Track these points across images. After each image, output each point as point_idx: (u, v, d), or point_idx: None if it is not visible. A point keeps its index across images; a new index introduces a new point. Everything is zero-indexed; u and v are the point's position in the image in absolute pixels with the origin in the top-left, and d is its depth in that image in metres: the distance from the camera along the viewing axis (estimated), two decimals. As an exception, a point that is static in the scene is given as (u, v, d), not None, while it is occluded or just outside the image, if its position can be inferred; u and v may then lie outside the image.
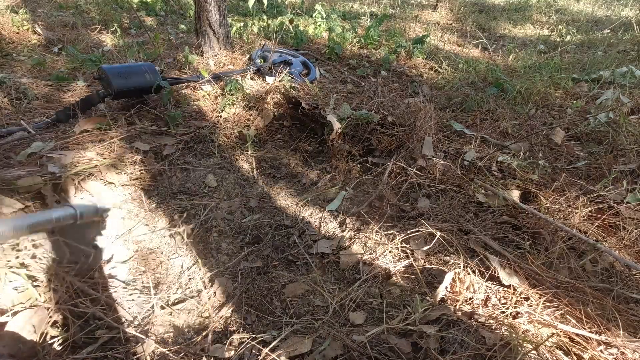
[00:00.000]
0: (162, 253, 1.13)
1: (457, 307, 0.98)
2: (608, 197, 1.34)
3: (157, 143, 1.55)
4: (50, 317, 0.87)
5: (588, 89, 2.40)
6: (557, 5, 5.63)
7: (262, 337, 0.91)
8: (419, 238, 1.19)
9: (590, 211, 1.29)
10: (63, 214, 0.62)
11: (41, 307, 0.88)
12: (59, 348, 0.84)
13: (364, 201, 1.38)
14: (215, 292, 1.04)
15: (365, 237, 1.22)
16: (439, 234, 1.15)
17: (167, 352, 0.86)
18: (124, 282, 1.03)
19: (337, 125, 1.59)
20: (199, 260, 1.12)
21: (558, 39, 3.82)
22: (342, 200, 1.40)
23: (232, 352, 0.86)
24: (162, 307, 0.98)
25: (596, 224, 1.24)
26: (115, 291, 1.00)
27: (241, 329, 0.94)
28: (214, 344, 0.89)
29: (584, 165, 1.58)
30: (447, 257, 1.12)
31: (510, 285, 1.03)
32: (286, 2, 4.09)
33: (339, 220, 1.31)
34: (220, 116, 1.79)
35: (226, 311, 0.98)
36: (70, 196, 1.21)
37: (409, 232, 1.20)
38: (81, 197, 1.04)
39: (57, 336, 0.85)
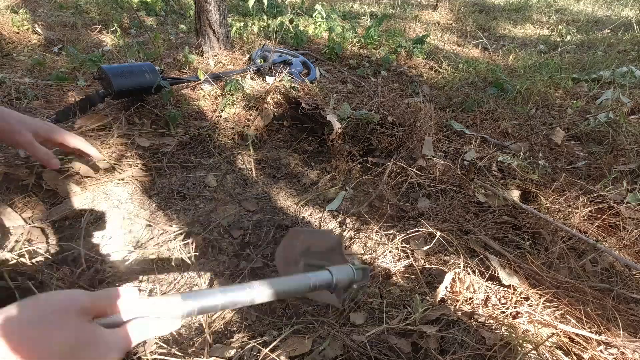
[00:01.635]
0: (161, 253, 1.13)
1: (457, 307, 0.98)
2: (608, 197, 1.34)
3: (157, 142, 1.56)
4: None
5: (588, 89, 2.41)
6: (557, 5, 5.63)
7: (262, 337, 0.91)
8: (419, 238, 1.19)
9: (590, 211, 1.29)
10: (320, 280, 0.61)
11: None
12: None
13: (364, 201, 1.38)
14: (215, 292, 1.04)
15: (365, 237, 1.22)
16: (439, 233, 1.15)
17: (168, 353, 0.86)
18: (124, 282, 1.03)
19: (337, 125, 1.59)
20: (199, 261, 1.12)
21: (558, 39, 3.82)
22: (342, 200, 1.40)
23: (232, 352, 0.86)
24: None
25: (596, 224, 1.24)
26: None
27: (241, 329, 0.94)
28: (214, 344, 0.89)
29: (584, 165, 1.58)
30: (447, 257, 1.12)
31: (510, 285, 1.03)
32: (286, 2, 4.09)
33: (338, 220, 1.31)
34: (220, 116, 1.79)
35: (226, 311, 0.98)
36: (56, 185, 1.21)
37: (409, 232, 1.20)
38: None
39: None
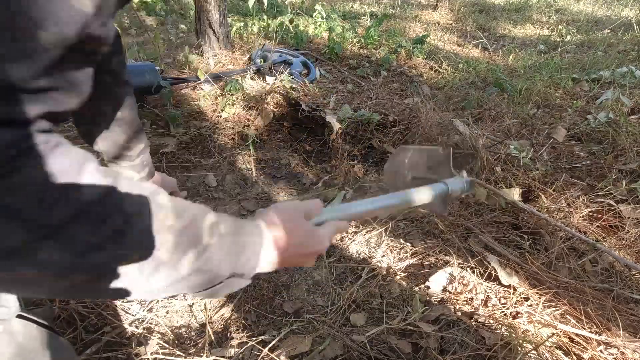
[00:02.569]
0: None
1: (457, 307, 0.98)
2: (609, 197, 1.34)
3: (157, 142, 1.56)
4: (57, 316, 0.88)
5: (588, 88, 2.41)
6: (557, 5, 5.63)
7: (262, 336, 0.91)
8: (420, 237, 1.19)
9: (590, 211, 1.29)
10: (439, 191, 0.76)
11: (47, 306, 0.88)
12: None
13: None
14: (215, 292, 1.04)
15: (366, 237, 1.22)
16: (443, 227, 1.15)
17: (169, 353, 0.86)
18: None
19: (337, 126, 1.59)
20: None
21: (558, 39, 3.82)
22: (342, 199, 1.40)
23: (232, 352, 0.87)
24: (163, 308, 0.98)
25: (596, 224, 1.24)
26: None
27: (241, 329, 0.94)
28: (214, 344, 0.89)
29: (584, 165, 1.58)
30: (448, 257, 1.12)
31: (510, 285, 1.03)
32: (286, 2, 4.09)
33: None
34: (220, 116, 1.79)
35: (226, 311, 0.98)
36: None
37: (409, 231, 1.20)
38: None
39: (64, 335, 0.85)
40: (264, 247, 0.45)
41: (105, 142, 0.98)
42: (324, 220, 0.56)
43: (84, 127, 0.95)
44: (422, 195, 0.70)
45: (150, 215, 0.33)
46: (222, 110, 1.81)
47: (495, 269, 1.06)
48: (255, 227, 0.45)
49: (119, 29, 1.05)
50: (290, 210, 0.51)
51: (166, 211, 0.35)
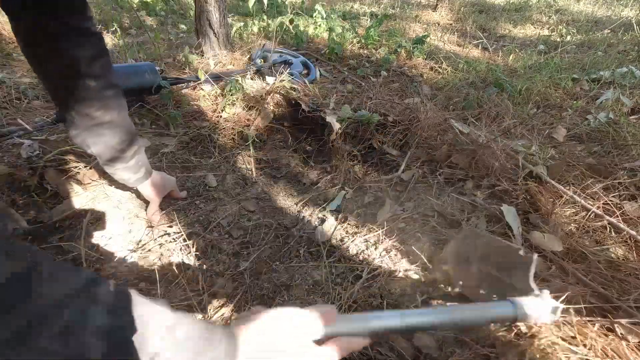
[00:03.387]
0: (162, 254, 1.13)
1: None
2: (611, 195, 1.34)
3: (157, 142, 1.56)
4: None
5: (588, 88, 2.41)
6: (557, 5, 5.63)
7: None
8: (421, 236, 1.19)
9: (598, 207, 1.29)
10: (502, 315, 0.55)
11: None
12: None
13: (365, 201, 1.38)
14: (215, 293, 1.03)
15: (366, 236, 1.22)
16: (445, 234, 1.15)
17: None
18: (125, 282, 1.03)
19: (336, 126, 1.59)
20: (199, 261, 1.12)
21: (558, 39, 3.82)
22: (343, 200, 1.40)
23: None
24: (162, 307, 0.98)
25: (599, 223, 1.24)
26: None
27: (241, 329, 0.94)
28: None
29: (585, 164, 1.58)
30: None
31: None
32: (286, 2, 4.09)
33: (339, 219, 1.31)
34: (220, 116, 1.79)
35: (226, 311, 0.98)
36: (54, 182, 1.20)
37: (409, 230, 1.20)
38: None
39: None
40: None
41: (97, 146, 0.98)
42: (337, 333, 0.43)
43: (75, 131, 0.95)
44: (474, 317, 0.52)
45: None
46: (222, 111, 1.81)
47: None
48: (228, 337, 0.37)
49: (102, 32, 1.04)
50: (279, 321, 0.38)
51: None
